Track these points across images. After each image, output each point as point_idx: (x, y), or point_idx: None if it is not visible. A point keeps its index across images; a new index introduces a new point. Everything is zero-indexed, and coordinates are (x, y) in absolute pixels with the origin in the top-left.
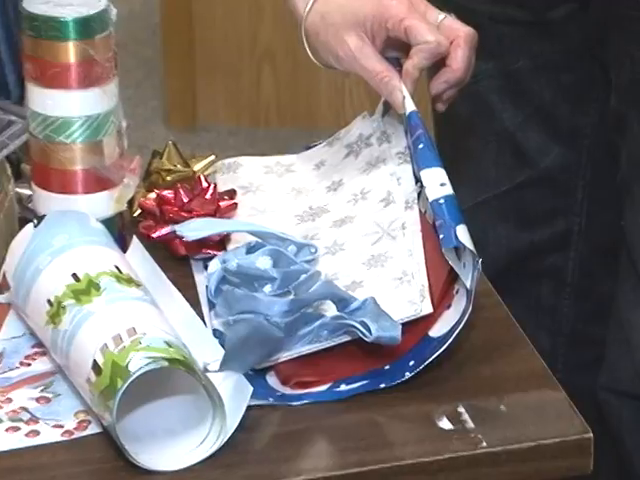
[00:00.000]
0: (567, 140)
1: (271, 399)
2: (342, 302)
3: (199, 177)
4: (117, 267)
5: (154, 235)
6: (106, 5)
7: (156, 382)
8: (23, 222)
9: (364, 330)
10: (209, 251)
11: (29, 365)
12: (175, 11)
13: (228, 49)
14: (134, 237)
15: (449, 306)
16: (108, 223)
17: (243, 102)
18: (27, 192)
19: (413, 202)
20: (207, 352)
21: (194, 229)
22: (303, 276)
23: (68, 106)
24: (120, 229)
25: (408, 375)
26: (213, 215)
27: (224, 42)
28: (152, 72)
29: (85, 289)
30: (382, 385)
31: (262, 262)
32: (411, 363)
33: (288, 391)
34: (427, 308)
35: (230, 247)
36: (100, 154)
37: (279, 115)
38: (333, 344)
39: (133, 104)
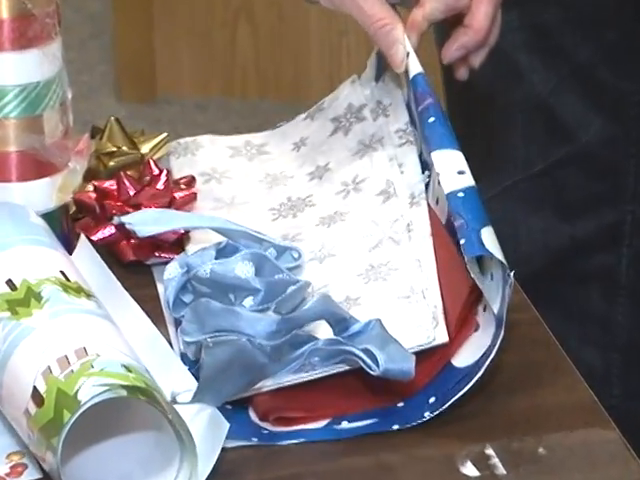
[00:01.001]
0: (611, 110)
1: (255, 439)
2: (340, 323)
3: (148, 162)
4: (63, 273)
5: (94, 237)
6: None
7: (111, 416)
8: None
9: (368, 360)
10: (164, 255)
11: None
12: None
13: (195, 1)
14: (81, 236)
15: (477, 328)
16: (49, 218)
17: (214, 68)
18: None
19: (420, 196)
20: (174, 379)
21: (147, 222)
22: (291, 288)
23: (0, 72)
24: (64, 225)
25: (429, 415)
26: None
27: None
28: (100, 30)
29: (23, 299)
30: (395, 427)
31: (242, 269)
32: (432, 400)
33: (276, 428)
34: (442, 336)
35: (190, 249)
36: (39, 132)
37: (259, 84)
38: (326, 374)
39: (76, 70)
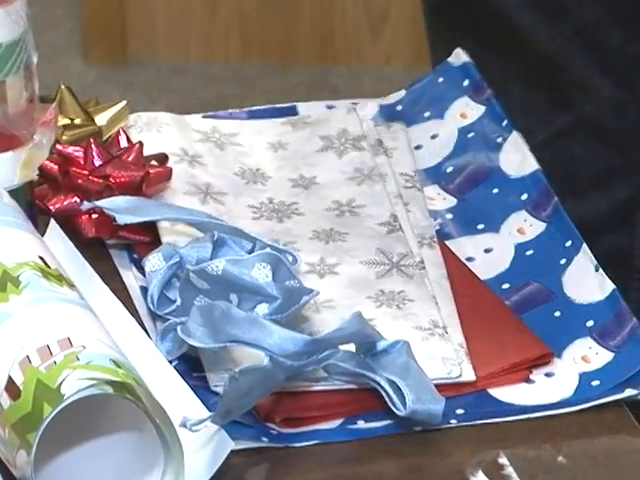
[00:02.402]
0: (619, 74)
1: (265, 439)
2: (368, 344)
3: (119, 132)
4: (42, 259)
5: (52, 207)
6: None
7: (88, 415)
8: None
9: (394, 396)
10: (130, 236)
11: None
12: None
13: None
14: (51, 221)
15: (549, 374)
16: (12, 196)
17: (192, 27)
18: None
19: (432, 239)
20: (157, 377)
21: (126, 210)
22: (304, 298)
23: None
24: (29, 205)
25: (455, 423)
26: (140, 186)
27: None
28: None
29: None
30: (418, 428)
31: (260, 272)
32: (459, 412)
33: (288, 429)
34: (468, 374)
35: (166, 237)
36: (1, 100)
37: (243, 45)
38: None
39: (39, 27)
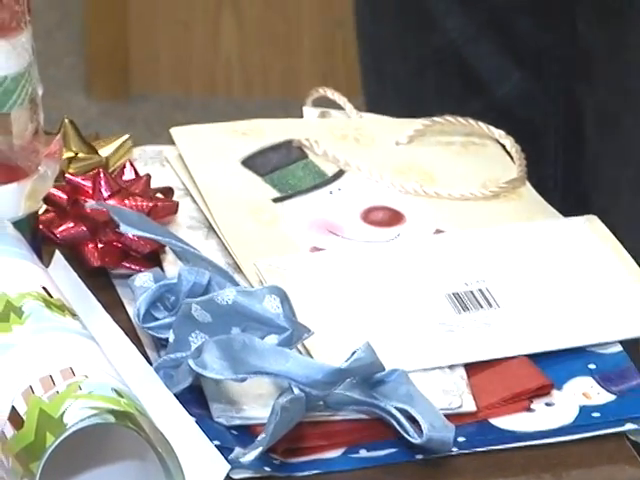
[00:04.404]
0: (530, 63)
1: (267, 468)
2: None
3: (125, 165)
4: (45, 289)
5: (57, 232)
6: None
7: (90, 443)
8: None
9: (407, 424)
10: (133, 266)
11: None
12: None
13: None
14: (56, 252)
15: (549, 404)
16: (17, 226)
17: (194, 62)
18: None
19: None
20: (158, 407)
21: (132, 222)
22: (309, 333)
23: None
24: (33, 235)
25: (456, 451)
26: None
27: None
28: (68, 18)
29: (2, 314)
30: (419, 456)
31: (271, 304)
32: (461, 439)
33: (290, 459)
34: (469, 404)
35: (168, 266)
36: (7, 132)
37: (245, 80)
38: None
39: (42, 61)
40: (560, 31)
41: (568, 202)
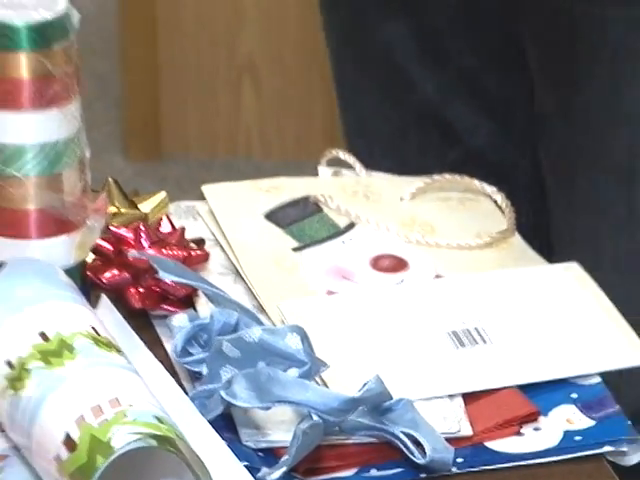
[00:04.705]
0: (498, 116)
1: None
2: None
3: (162, 218)
4: (94, 328)
5: (104, 277)
6: (66, 8)
7: (133, 465)
8: None
9: (412, 446)
10: (170, 308)
11: None
12: (136, 16)
13: (200, 61)
14: (102, 296)
15: (536, 429)
16: (68, 273)
17: (219, 127)
18: None
19: None
20: (194, 433)
21: (169, 270)
22: (325, 367)
23: (20, 131)
24: (82, 281)
25: (455, 470)
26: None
27: (195, 52)
28: (107, 89)
29: (56, 350)
30: (423, 475)
31: (292, 340)
32: (459, 460)
33: (310, 477)
34: (466, 429)
35: (201, 307)
36: (58, 190)
37: (263, 143)
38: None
39: (85, 128)
40: (522, 87)
41: (534, 245)
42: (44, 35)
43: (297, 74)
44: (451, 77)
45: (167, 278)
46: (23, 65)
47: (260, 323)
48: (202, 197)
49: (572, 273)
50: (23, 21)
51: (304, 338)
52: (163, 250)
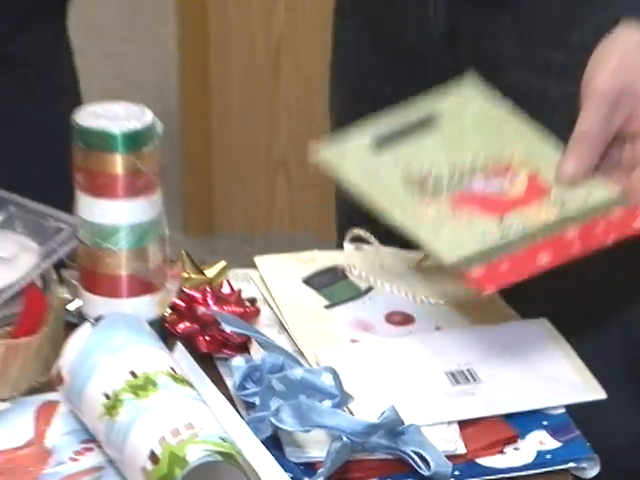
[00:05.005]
0: None
1: None
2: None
3: (223, 282)
4: (172, 368)
5: (179, 329)
6: (152, 120)
7: (205, 475)
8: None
9: (420, 462)
10: (230, 352)
11: (77, 460)
12: (194, 122)
13: (245, 158)
14: (177, 342)
15: (516, 448)
16: (151, 325)
17: (258, 210)
18: (67, 296)
19: None
20: (249, 450)
21: (231, 323)
22: (351, 399)
23: (115, 214)
24: (161, 330)
25: None
26: (239, 317)
27: (241, 152)
28: (170, 179)
29: (143, 385)
30: None
31: (326, 378)
32: (456, 473)
33: None
34: (461, 448)
35: (254, 352)
36: (144, 260)
37: (292, 220)
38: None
39: None
40: None
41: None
42: (135, 140)
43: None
44: None
45: (228, 329)
46: (118, 164)
47: (300, 364)
48: (253, 265)
49: (542, 327)
50: (119, 129)
51: (335, 377)
52: (224, 307)
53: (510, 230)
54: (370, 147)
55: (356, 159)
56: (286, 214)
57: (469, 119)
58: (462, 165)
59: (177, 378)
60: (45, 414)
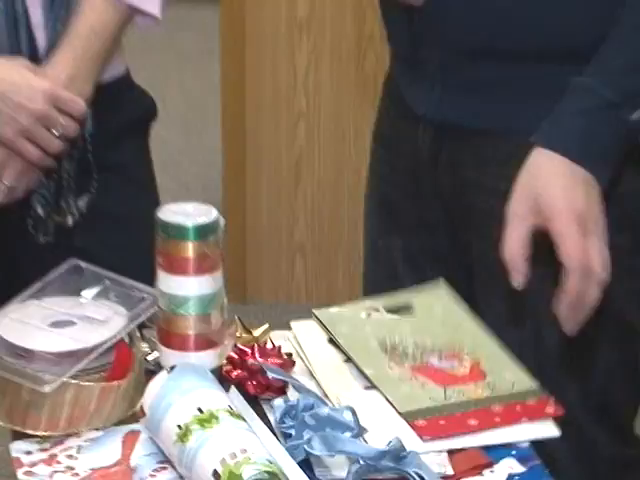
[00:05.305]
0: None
1: None
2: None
3: (267, 340)
4: (229, 406)
5: (233, 375)
6: (217, 216)
7: None
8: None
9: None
10: (271, 394)
11: (155, 477)
12: (233, 216)
13: (270, 244)
14: (232, 386)
15: (492, 471)
16: (213, 373)
17: (280, 284)
18: (147, 349)
19: None
20: (291, 471)
21: (273, 372)
22: (365, 430)
23: (187, 288)
24: (219, 376)
25: None
26: (279, 367)
27: (268, 239)
28: None
29: (207, 419)
30: None
31: (347, 415)
32: None
33: None
34: (449, 471)
35: (291, 394)
36: (208, 323)
37: (307, 293)
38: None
39: None
40: None
41: None
42: (203, 232)
43: (329, 254)
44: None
45: (270, 376)
46: (190, 249)
47: (326, 404)
48: (289, 327)
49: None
50: (191, 223)
51: (354, 414)
52: (268, 359)
53: (451, 398)
54: (360, 317)
55: (348, 323)
56: (302, 288)
57: (436, 313)
58: (424, 345)
59: (233, 414)
60: (130, 440)
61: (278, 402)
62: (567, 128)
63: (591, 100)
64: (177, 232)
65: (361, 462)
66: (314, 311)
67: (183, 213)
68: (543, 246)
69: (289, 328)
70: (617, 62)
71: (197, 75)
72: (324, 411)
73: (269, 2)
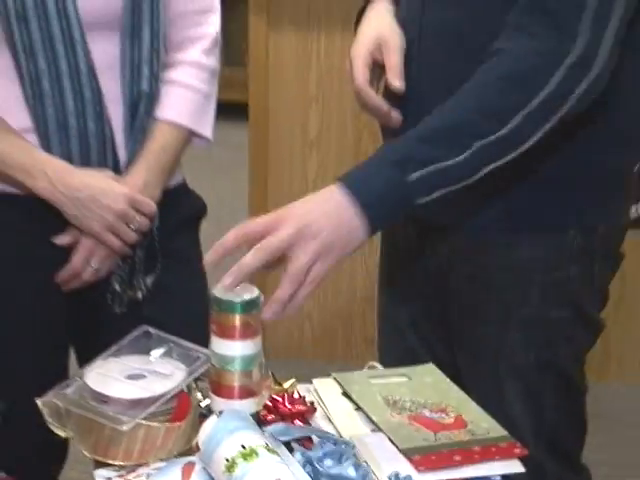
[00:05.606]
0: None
1: None
2: None
3: (294, 391)
4: (266, 443)
5: (268, 419)
6: (258, 294)
7: None
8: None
9: None
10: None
11: None
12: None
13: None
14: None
15: None
16: (252, 417)
17: (292, 343)
18: (201, 397)
19: None
20: None
21: (284, 434)
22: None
23: (234, 349)
24: (257, 419)
25: None
26: (304, 414)
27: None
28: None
29: (249, 454)
30: None
31: (351, 470)
32: None
33: None
34: None
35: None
36: (250, 377)
37: (314, 351)
38: None
39: None
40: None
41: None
42: (247, 306)
43: (327, 322)
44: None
45: (284, 440)
46: (237, 320)
47: (345, 443)
48: (310, 380)
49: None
50: (239, 299)
51: (359, 468)
52: (295, 405)
53: (440, 440)
54: (368, 380)
55: (359, 382)
56: (310, 347)
57: (427, 381)
58: (418, 402)
59: (270, 450)
60: (188, 470)
61: (298, 455)
62: (361, 172)
63: (385, 155)
64: (227, 306)
65: None
66: (333, 374)
67: (232, 291)
68: None
69: (307, 382)
70: (414, 132)
71: (228, 181)
72: (329, 465)
73: (287, 125)
